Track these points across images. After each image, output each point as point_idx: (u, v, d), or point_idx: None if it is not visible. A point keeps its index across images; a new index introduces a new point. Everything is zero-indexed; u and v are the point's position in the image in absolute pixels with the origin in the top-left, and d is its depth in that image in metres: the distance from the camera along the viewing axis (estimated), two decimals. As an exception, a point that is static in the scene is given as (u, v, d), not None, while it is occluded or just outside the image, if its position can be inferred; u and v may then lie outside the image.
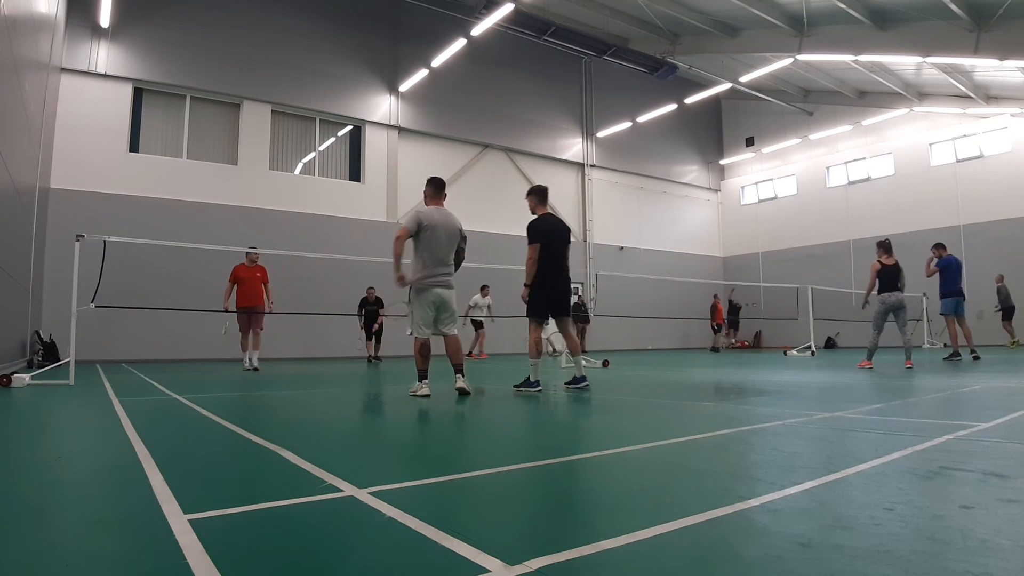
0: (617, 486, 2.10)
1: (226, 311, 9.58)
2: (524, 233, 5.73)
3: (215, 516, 1.65)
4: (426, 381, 5.12)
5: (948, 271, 10.15)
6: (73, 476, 2.32)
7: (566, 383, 5.82)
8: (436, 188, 5.46)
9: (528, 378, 5.59)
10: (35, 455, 2.73)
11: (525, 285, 5.70)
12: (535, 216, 5.78)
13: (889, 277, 8.55)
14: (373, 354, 13.25)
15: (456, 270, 5.46)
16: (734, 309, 21.22)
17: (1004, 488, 1.85)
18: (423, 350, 5.20)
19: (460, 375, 5.22)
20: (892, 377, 6.71)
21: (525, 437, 3.36)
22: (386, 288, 12.74)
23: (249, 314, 9.62)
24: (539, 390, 5.46)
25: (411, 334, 5.29)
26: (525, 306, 5.74)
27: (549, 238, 5.64)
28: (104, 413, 4.14)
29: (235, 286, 9.58)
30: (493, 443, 3.14)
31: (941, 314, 10.51)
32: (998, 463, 2.22)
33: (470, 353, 14.93)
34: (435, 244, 5.18)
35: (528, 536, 1.54)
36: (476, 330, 15.11)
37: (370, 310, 13.25)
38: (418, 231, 5.17)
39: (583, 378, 5.65)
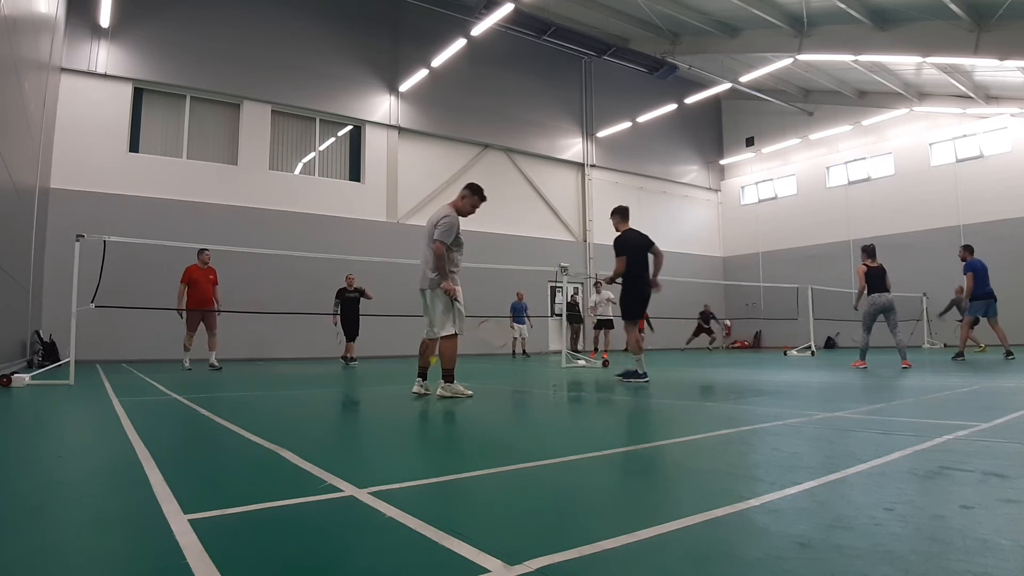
0: (617, 486, 2.10)
1: (179, 311, 9.69)
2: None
3: (215, 516, 1.65)
4: (418, 379, 5.27)
5: (979, 274, 10.15)
6: (73, 476, 2.32)
7: (617, 375, 6.68)
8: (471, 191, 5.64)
9: (635, 371, 6.30)
10: (35, 455, 2.73)
11: (612, 280, 6.70)
12: (619, 232, 6.58)
13: (877, 278, 8.58)
14: (351, 355, 11.71)
15: (440, 266, 5.04)
16: (705, 316, 20.41)
17: (1004, 488, 1.85)
18: (421, 347, 5.38)
19: (441, 380, 5.05)
20: (892, 377, 6.71)
21: (525, 437, 3.36)
22: (391, 289, 12.79)
23: (201, 315, 9.74)
24: (647, 380, 6.17)
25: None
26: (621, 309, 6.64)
27: (633, 251, 6.44)
28: (104, 413, 4.14)
29: (187, 287, 9.67)
30: (493, 443, 3.14)
31: (969, 315, 10.56)
32: (998, 463, 2.22)
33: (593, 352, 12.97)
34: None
35: (528, 536, 1.53)
36: (602, 329, 12.74)
37: (349, 298, 11.62)
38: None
39: (645, 373, 6.33)
